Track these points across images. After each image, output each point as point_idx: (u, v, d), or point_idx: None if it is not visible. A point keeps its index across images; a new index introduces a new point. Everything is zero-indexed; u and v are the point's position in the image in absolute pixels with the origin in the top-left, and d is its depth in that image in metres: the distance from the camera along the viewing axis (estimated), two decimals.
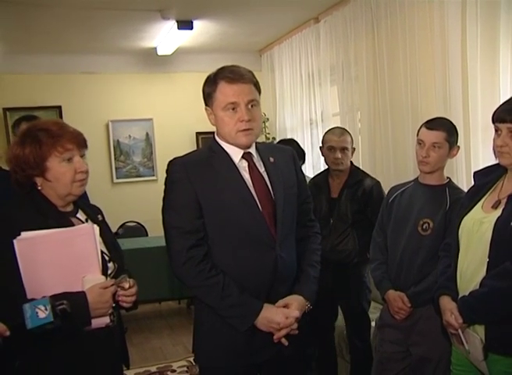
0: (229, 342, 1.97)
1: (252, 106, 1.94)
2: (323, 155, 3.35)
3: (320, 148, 3.39)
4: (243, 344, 1.96)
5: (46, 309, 1.56)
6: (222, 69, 1.97)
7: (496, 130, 1.94)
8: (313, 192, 3.31)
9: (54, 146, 1.78)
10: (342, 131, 3.31)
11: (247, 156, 2.00)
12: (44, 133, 1.79)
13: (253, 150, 2.03)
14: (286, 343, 1.96)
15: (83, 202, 1.99)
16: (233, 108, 1.92)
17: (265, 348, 1.97)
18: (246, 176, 1.98)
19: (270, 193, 1.99)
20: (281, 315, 1.92)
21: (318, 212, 3.23)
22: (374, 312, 3.65)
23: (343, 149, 3.20)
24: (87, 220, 1.92)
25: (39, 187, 1.81)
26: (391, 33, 3.95)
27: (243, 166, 1.99)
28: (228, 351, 1.98)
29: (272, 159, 2.05)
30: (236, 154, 1.99)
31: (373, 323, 3.21)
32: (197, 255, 1.91)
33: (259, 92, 2.02)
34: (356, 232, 3.19)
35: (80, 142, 1.85)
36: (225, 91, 1.92)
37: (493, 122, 1.95)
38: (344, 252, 3.18)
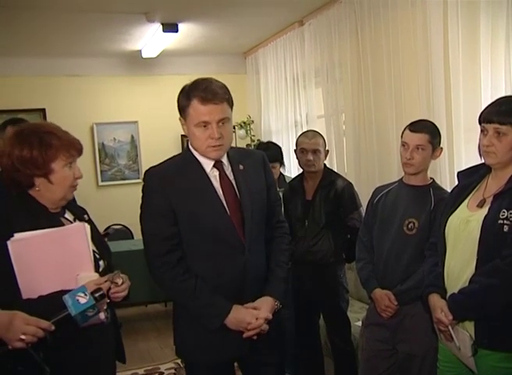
0: (204, 339, 2.09)
1: (223, 123, 2.02)
2: (297, 158, 3.40)
3: (294, 150, 3.44)
4: (217, 341, 2.07)
5: (86, 295, 1.62)
6: (196, 84, 2.02)
7: (482, 131, 1.98)
8: (289, 195, 3.38)
9: (61, 150, 1.84)
10: (314, 134, 3.36)
11: (218, 165, 2.10)
12: (53, 136, 1.84)
13: (224, 158, 2.13)
14: (255, 337, 2.07)
15: (69, 203, 2.02)
16: (205, 126, 2.01)
17: (238, 345, 2.09)
18: (216, 184, 2.09)
19: (238, 200, 2.09)
20: (251, 315, 2.03)
21: (293, 215, 3.28)
22: (360, 312, 3.69)
23: (315, 151, 3.25)
24: (74, 220, 1.96)
25: (37, 188, 1.84)
26: (375, 35, 3.99)
27: (214, 175, 2.10)
28: (203, 347, 2.10)
29: (241, 167, 2.15)
30: (207, 163, 2.10)
31: (359, 323, 3.24)
32: (171, 260, 2.04)
33: (232, 106, 2.08)
34: (330, 233, 3.23)
35: (81, 150, 1.92)
36: (198, 110, 2.00)
37: (480, 122, 1.99)
38: (320, 253, 3.23)
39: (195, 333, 2.10)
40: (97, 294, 1.65)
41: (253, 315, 2.04)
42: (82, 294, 1.62)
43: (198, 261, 2.07)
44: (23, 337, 1.51)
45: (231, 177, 2.12)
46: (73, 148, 1.88)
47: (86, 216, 2.05)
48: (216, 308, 2.04)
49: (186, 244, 2.07)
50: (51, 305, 1.62)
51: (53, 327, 1.56)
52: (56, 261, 1.73)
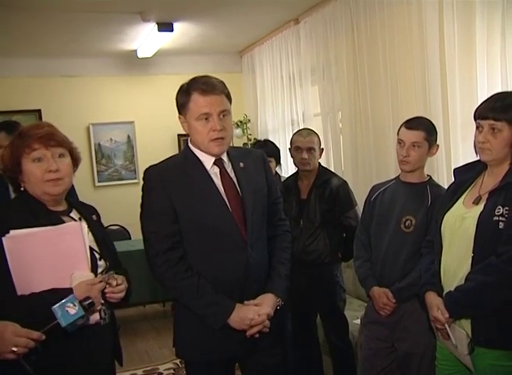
0: (205, 337, 2.07)
1: (224, 116, 2.03)
2: (292, 156, 3.38)
3: (289, 149, 3.43)
4: (218, 340, 2.05)
5: (75, 305, 1.61)
6: (195, 80, 2.05)
7: (478, 127, 1.98)
8: (283, 194, 3.35)
9: (23, 147, 1.82)
10: (308, 132, 3.35)
11: (218, 163, 2.10)
12: (18, 136, 1.85)
13: (224, 156, 2.13)
14: (257, 335, 2.05)
15: (77, 201, 2.02)
16: (206, 118, 2.01)
17: (240, 343, 2.07)
18: (217, 182, 2.08)
19: (240, 197, 2.09)
20: (252, 312, 2.02)
21: (288, 214, 3.27)
22: (359, 310, 3.69)
23: (310, 149, 3.24)
24: (80, 219, 1.93)
25: (21, 189, 1.85)
26: (370, 33, 3.99)
27: (214, 172, 2.09)
28: (203, 345, 2.09)
29: (241, 165, 2.15)
30: (208, 161, 2.09)
31: (358, 321, 3.24)
32: (173, 257, 2.02)
33: (230, 102, 2.10)
34: (326, 232, 3.23)
35: (48, 141, 1.84)
36: (199, 102, 2.01)
37: (475, 119, 1.99)
38: (315, 253, 3.22)
39: (195, 332, 2.09)
40: (85, 303, 1.65)
41: (254, 311, 2.03)
42: (71, 305, 1.61)
43: (200, 259, 2.05)
44: (14, 349, 1.52)
45: (232, 175, 2.12)
46: (36, 141, 1.81)
47: (94, 215, 2.04)
48: (219, 307, 2.02)
49: (188, 242, 2.05)
50: (38, 305, 1.64)
51: (43, 337, 1.56)
52: (51, 259, 1.73)
